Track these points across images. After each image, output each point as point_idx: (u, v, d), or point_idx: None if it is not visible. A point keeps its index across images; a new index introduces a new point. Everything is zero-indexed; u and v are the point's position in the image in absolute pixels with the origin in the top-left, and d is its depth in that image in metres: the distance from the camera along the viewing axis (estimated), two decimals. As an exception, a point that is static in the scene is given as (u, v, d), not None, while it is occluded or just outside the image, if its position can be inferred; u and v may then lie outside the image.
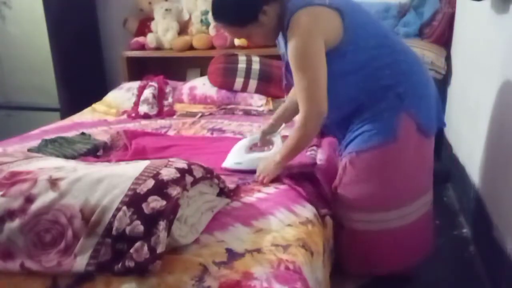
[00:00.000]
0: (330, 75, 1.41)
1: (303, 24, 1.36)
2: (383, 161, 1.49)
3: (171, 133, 2.32)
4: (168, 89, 2.87)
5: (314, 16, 1.37)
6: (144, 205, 1.08)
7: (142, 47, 3.32)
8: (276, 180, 1.58)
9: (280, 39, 1.58)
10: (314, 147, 1.92)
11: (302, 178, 1.60)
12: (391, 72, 1.45)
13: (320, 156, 1.86)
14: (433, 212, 1.75)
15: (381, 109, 1.46)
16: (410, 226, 1.59)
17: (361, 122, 1.50)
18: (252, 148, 1.79)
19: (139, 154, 1.85)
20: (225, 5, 1.44)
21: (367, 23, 1.47)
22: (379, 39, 1.46)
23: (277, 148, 1.70)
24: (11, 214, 1.12)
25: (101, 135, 2.29)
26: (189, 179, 1.20)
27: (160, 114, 2.68)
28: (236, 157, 1.74)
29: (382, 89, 1.46)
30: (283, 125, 1.78)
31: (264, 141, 1.79)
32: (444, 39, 2.87)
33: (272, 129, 1.78)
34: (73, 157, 1.87)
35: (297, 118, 1.52)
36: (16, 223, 1.10)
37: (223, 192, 1.40)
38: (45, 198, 1.12)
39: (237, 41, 3.05)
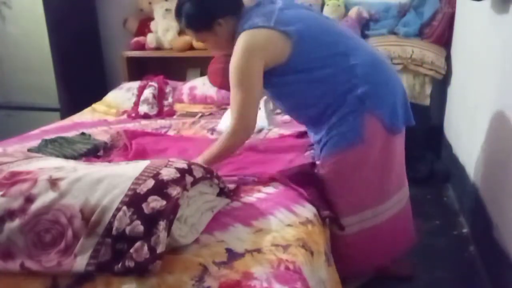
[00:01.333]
0: (287, 86, 1.52)
1: (243, 45, 1.45)
2: (353, 162, 1.54)
3: (171, 133, 2.32)
4: (168, 89, 2.87)
5: (254, 39, 1.45)
6: (144, 205, 1.08)
7: (142, 47, 3.32)
8: (276, 180, 1.58)
9: None
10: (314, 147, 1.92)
11: (302, 179, 1.60)
12: (347, 77, 1.50)
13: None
14: (413, 205, 1.78)
15: (345, 113, 1.51)
16: (386, 223, 1.63)
17: (330, 127, 1.54)
18: None
19: (140, 155, 1.85)
20: (185, 7, 1.53)
21: (320, 33, 1.51)
22: (332, 47, 1.51)
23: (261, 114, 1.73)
24: (11, 214, 1.12)
25: (101, 135, 2.29)
26: (189, 179, 1.20)
27: (160, 114, 2.68)
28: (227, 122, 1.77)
29: (341, 94, 1.50)
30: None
31: None
32: (444, 39, 2.88)
33: None
34: (73, 157, 1.87)
35: (222, 135, 1.57)
36: (16, 223, 1.10)
37: (223, 192, 1.40)
38: (45, 198, 1.12)
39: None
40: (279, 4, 1.55)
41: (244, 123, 1.50)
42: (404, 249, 1.78)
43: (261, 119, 1.89)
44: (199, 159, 1.55)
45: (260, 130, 2.04)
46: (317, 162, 1.67)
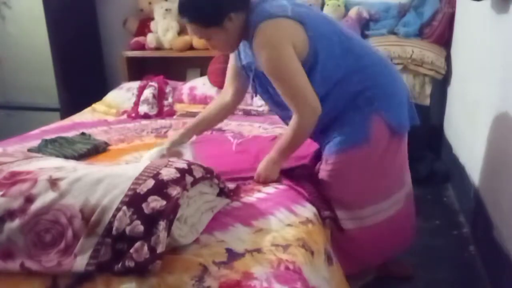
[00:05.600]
0: None
1: (271, 35, 1.38)
2: (356, 162, 1.54)
3: (171, 133, 2.32)
4: (168, 89, 2.87)
5: (280, 27, 1.39)
6: (144, 205, 1.08)
7: (142, 47, 3.32)
8: (276, 180, 1.59)
9: (243, 50, 1.59)
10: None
11: (303, 179, 1.60)
12: (358, 78, 1.49)
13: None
14: (416, 206, 1.79)
15: (353, 114, 1.51)
16: (387, 221, 1.64)
17: (338, 127, 1.54)
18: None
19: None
20: (194, 2, 1.42)
21: (331, 32, 1.48)
22: (344, 46, 1.48)
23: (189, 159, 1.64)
24: (11, 214, 1.12)
25: (101, 135, 2.29)
26: (189, 179, 1.20)
27: (160, 114, 2.68)
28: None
29: (352, 95, 1.51)
30: (194, 137, 1.76)
31: (172, 152, 1.70)
32: (444, 39, 2.88)
33: (181, 140, 1.75)
34: (73, 157, 1.88)
35: (291, 122, 1.52)
36: (16, 223, 1.10)
37: (223, 192, 1.40)
38: (45, 198, 1.12)
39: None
40: (289, 1, 1.49)
41: (309, 108, 1.44)
42: (404, 247, 1.79)
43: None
44: (274, 152, 1.54)
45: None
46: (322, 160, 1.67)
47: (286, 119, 1.65)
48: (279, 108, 1.63)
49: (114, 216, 1.07)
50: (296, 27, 1.41)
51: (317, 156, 1.75)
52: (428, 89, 2.82)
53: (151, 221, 1.06)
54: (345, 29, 1.58)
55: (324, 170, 1.60)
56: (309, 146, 1.86)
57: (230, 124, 2.38)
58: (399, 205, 1.68)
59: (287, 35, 1.39)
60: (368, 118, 1.50)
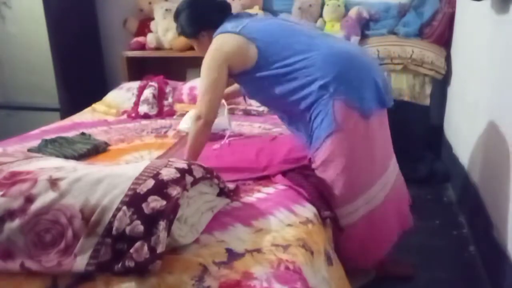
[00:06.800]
0: (257, 84, 1.68)
1: (213, 46, 1.68)
2: (336, 151, 1.58)
3: (171, 133, 2.32)
4: (168, 89, 2.87)
5: (222, 41, 1.67)
6: (144, 205, 1.08)
7: (142, 47, 3.32)
8: (276, 180, 1.59)
9: None
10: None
11: (303, 179, 1.60)
12: (307, 70, 1.59)
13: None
14: (413, 205, 1.80)
15: (316, 105, 1.58)
16: (379, 207, 1.65)
17: (311, 122, 1.62)
18: None
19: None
20: (180, 16, 1.80)
21: (278, 39, 1.66)
22: (292, 47, 1.63)
23: (222, 116, 1.97)
24: (11, 214, 1.11)
25: (101, 135, 2.29)
26: (189, 179, 1.20)
27: (160, 114, 2.68)
28: (185, 124, 2.18)
29: (306, 86, 1.59)
30: (225, 103, 2.07)
31: None
32: (444, 39, 2.88)
33: None
34: (73, 157, 1.88)
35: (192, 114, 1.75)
36: (16, 223, 1.10)
37: (223, 192, 1.40)
38: (45, 198, 1.12)
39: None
40: (254, 17, 1.78)
41: (203, 110, 1.64)
42: (402, 232, 1.78)
43: (224, 121, 2.08)
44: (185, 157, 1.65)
45: (223, 130, 2.12)
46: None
47: (284, 119, 1.81)
48: (272, 110, 1.88)
49: (114, 216, 1.07)
50: (241, 42, 1.64)
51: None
52: (428, 89, 2.82)
53: (151, 221, 1.06)
54: (301, 29, 1.74)
55: (316, 168, 1.63)
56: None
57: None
58: (387, 187, 1.69)
59: (226, 49, 1.65)
60: (330, 104, 1.56)
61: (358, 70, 1.62)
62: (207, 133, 1.68)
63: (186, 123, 2.21)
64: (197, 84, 2.92)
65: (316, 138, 1.61)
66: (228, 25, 1.70)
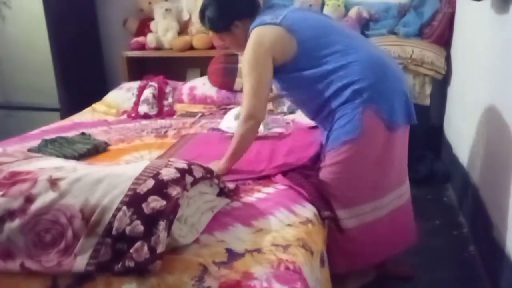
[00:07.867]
0: (294, 82, 1.65)
1: (253, 40, 1.60)
2: (353, 156, 1.57)
3: (171, 133, 2.32)
4: (168, 89, 2.87)
5: (263, 33, 1.60)
6: (144, 205, 1.08)
7: (142, 47, 3.32)
8: (276, 180, 1.59)
9: None
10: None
11: (303, 179, 1.60)
12: (344, 73, 1.57)
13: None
14: (413, 205, 1.79)
15: (344, 107, 1.56)
16: (385, 218, 1.65)
17: (333, 121, 1.60)
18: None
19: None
20: (207, 11, 1.71)
21: (319, 35, 1.62)
22: (330, 46, 1.60)
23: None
24: (11, 214, 1.12)
25: (101, 135, 2.29)
26: (189, 179, 1.20)
27: (160, 114, 2.68)
28: (228, 123, 2.12)
29: (340, 89, 1.57)
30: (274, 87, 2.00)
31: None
32: (444, 39, 2.88)
33: None
34: (73, 157, 1.88)
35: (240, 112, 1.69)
36: (16, 223, 1.10)
37: (223, 192, 1.40)
38: (45, 198, 1.12)
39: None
40: (290, 8, 1.73)
41: (254, 110, 1.59)
42: (404, 248, 1.79)
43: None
44: (223, 160, 1.63)
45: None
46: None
47: (309, 115, 1.79)
48: (299, 106, 1.87)
49: (114, 216, 1.07)
50: (281, 33, 1.59)
51: (317, 156, 1.75)
52: (428, 89, 2.82)
53: (151, 221, 1.06)
54: (339, 28, 1.70)
55: (325, 167, 1.62)
56: (309, 147, 1.86)
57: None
58: (399, 202, 1.69)
59: (268, 41, 1.58)
60: (359, 110, 1.54)
61: (392, 81, 1.61)
62: (257, 132, 1.67)
63: (231, 123, 2.14)
64: (197, 84, 2.94)
65: (335, 139, 1.59)
66: (265, 17, 1.63)
